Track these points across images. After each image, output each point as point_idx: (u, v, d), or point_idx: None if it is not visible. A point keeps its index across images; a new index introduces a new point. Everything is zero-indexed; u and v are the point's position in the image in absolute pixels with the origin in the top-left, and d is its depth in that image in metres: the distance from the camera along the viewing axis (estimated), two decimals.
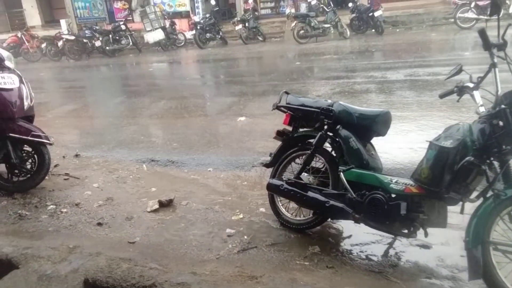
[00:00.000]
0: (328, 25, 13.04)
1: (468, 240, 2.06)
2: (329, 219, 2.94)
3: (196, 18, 15.79)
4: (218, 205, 3.39)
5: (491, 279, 2.02)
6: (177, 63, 12.83)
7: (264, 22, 16.48)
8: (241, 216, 3.19)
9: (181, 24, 16.59)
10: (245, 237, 2.89)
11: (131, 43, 15.34)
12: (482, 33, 2.19)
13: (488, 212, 2.06)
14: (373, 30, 13.14)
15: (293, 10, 15.91)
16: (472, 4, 11.53)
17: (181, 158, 4.48)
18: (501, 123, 2.05)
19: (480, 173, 2.14)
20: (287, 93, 3.09)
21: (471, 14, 11.62)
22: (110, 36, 15.00)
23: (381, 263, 2.53)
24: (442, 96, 2.56)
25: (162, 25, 15.25)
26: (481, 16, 11.36)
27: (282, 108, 3.03)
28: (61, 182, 4.03)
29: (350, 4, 13.69)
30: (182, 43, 15.88)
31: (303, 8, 16.20)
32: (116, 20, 17.74)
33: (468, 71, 2.41)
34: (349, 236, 2.86)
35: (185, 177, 4.00)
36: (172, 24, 15.72)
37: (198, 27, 14.58)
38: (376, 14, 12.71)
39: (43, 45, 14.94)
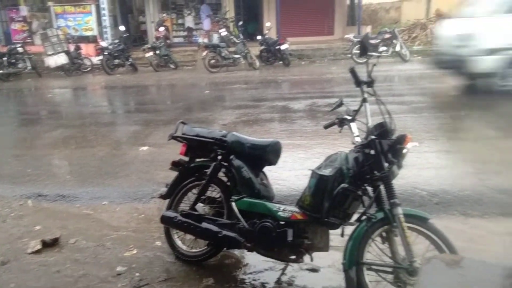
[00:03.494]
0: (238, 56, 13.46)
1: (344, 262, 2.20)
2: (225, 249, 2.94)
3: (104, 43, 15.19)
4: (111, 241, 3.19)
5: None
6: (82, 89, 12.14)
7: (176, 50, 16.47)
8: (134, 251, 3.03)
9: (87, 49, 15.83)
10: (137, 274, 2.74)
11: (29, 67, 14.19)
12: (353, 71, 2.42)
13: (361, 235, 2.22)
14: (281, 62, 13.88)
15: (206, 40, 16.18)
16: None
17: (73, 191, 4.16)
18: (372, 152, 2.26)
19: (356, 198, 2.31)
20: (183, 123, 3.08)
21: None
22: (5, 59, 13.74)
23: None
24: (326, 127, 2.73)
25: (66, 49, 14.41)
26: (372, 53, 12.69)
27: (179, 138, 3.01)
28: None
29: (258, 37, 14.36)
30: (89, 69, 15.12)
31: (215, 39, 16.56)
32: (14, 42, 16.34)
33: (354, 103, 2.59)
34: (245, 265, 2.87)
35: (76, 213, 3.71)
36: (77, 48, 14.94)
37: (106, 53, 14.05)
38: (283, 47, 13.48)
39: None
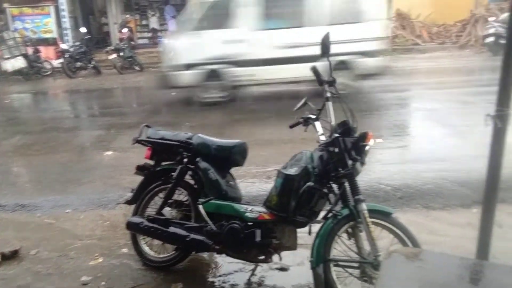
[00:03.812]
0: None
1: (312, 259, 2.23)
2: (194, 253, 2.90)
3: (65, 46, 14.66)
4: (75, 250, 3.08)
5: None
6: (42, 94, 11.67)
7: (141, 52, 16.14)
8: (100, 260, 2.95)
9: (47, 52, 15.24)
10: (103, 283, 2.67)
11: None
12: (315, 70, 2.44)
13: (328, 232, 2.25)
14: None
15: None
16: None
17: (33, 200, 4.00)
18: (336, 150, 2.29)
19: (321, 196, 2.33)
20: (148, 126, 3.05)
21: None
22: None
23: None
24: (291, 126, 2.76)
25: (23, 52, 13.83)
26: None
27: (143, 142, 2.96)
28: None
29: None
30: (49, 72, 14.54)
31: None
32: None
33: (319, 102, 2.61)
34: (215, 268, 2.85)
35: (37, 223, 3.56)
36: (36, 51, 14.35)
37: (67, 55, 13.57)
38: None
39: None
